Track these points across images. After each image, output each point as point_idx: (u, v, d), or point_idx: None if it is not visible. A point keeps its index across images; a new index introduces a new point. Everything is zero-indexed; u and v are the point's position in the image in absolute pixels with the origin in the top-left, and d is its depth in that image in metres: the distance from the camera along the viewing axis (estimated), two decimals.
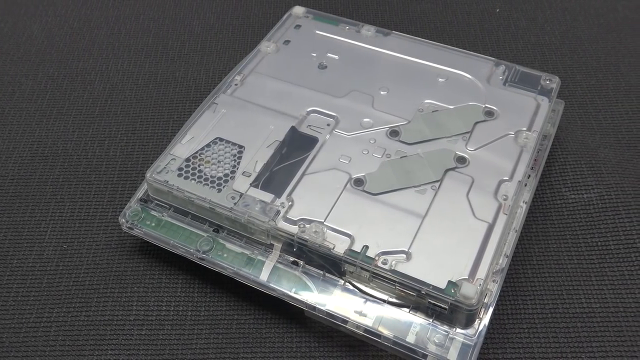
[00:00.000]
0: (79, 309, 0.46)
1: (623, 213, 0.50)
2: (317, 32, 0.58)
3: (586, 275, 0.47)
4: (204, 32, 0.67)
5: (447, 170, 0.47)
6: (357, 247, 0.43)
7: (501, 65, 0.54)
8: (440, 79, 0.53)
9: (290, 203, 0.45)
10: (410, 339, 0.41)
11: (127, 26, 0.68)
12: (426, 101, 0.51)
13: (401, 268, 0.42)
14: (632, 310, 0.45)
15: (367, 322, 0.42)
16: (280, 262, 0.44)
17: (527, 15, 0.68)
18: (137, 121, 0.58)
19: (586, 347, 0.43)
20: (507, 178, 0.46)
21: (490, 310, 0.42)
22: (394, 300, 0.42)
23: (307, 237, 0.44)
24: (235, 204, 0.46)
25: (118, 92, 0.61)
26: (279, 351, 0.44)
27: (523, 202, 0.47)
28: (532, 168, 0.49)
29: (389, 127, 0.50)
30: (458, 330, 0.41)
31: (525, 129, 0.49)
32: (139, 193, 0.49)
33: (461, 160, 0.47)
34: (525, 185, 0.48)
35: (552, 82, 0.53)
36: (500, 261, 0.43)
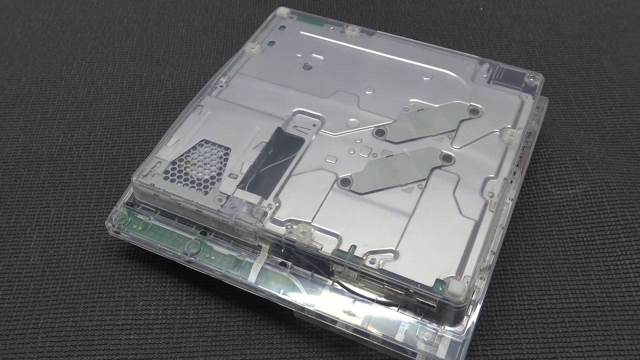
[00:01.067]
0: (67, 315, 0.46)
1: (608, 208, 0.50)
2: (302, 32, 0.58)
3: (573, 270, 0.47)
4: (189, 34, 0.67)
5: (433, 169, 0.47)
6: (345, 247, 0.43)
7: (485, 63, 0.54)
8: (425, 78, 0.53)
9: (277, 204, 0.45)
10: (400, 337, 0.41)
11: (110, 29, 0.67)
12: (411, 100, 0.52)
13: (389, 267, 0.42)
14: (618, 305, 0.45)
15: (356, 321, 0.42)
16: (268, 264, 0.44)
17: (511, 13, 0.68)
18: (123, 125, 0.58)
19: (574, 342, 0.44)
20: (492, 175, 0.46)
21: (478, 307, 0.42)
22: (382, 299, 0.42)
23: (295, 238, 0.43)
24: (222, 206, 0.45)
25: (103, 96, 0.60)
26: (269, 353, 0.44)
27: (509, 199, 0.47)
28: (517, 165, 0.49)
29: (375, 127, 0.50)
30: (447, 327, 0.41)
31: (510, 126, 0.49)
32: (125, 197, 0.49)
33: (447, 158, 0.48)
34: (511, 182, 0.48)
35: (536, 80, 0.53)
36: (488, 258, 0.43)
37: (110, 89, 0.61)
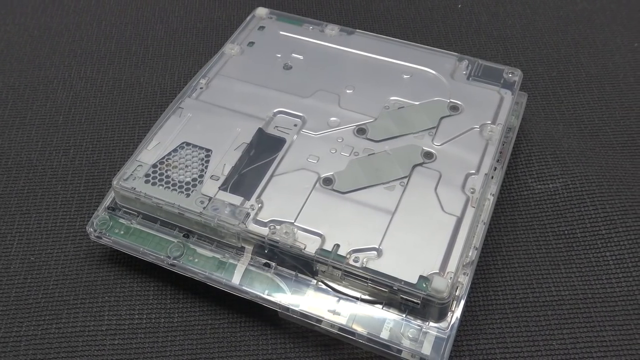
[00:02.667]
0: (50, 322, 0.46)
1: (588, 201, 0.50)
2: (281, 32, 0.58)
3: (555, 264, 0.47)
4: (168, 36, 0.66)
5: (414, 166, 0.47)
6: (328, 246, 0.43)
7: (464, 60, 0.55)
8: (405, 76, 0.53)
9: (259, 205, 0.45)
10: (385, 335, 0.41)
11: (88, 33, 0.67)
12: (392, 98, 0.52)
13: (373, 265, 0.42)
14: (600, 297, 0.46)
15: (341, 320, 0.42)
16: (252, 265, 0.44)
17: (489, 9, 0.68)
18: (103, 129, 0.57)
19: (557, 334, 0.44)
20: (473, 171, 0.47)
21: (462, 302, 0.42)
22: (367, 297, 0.42)
23: (278, 239, 0.43)
24: (204, 208, 0.45)
25: (82, 99, 0.60)
26: (254, 354, 0.44)
27: (490, 194, 0.47)
28: (498, 160, 0.49)
29: (356, 125, 0.50)
30: (431, 324, 0.41)
31: (489, 122, 0.50)
32: (106, 201, 0.48)
33: (428, 155, 0.48)
34: (492, 177, 0.48)
35: (515, 75, 0.53)
36: (470, 254, 0.43)
37: (90, 92, 0.61)
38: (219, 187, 0.46)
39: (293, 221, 0.44)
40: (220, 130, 0.50)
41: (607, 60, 0.62)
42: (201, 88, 0.53)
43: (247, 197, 0.46)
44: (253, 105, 0.52)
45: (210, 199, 0.46)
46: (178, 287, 0.47)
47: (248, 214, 0.45)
